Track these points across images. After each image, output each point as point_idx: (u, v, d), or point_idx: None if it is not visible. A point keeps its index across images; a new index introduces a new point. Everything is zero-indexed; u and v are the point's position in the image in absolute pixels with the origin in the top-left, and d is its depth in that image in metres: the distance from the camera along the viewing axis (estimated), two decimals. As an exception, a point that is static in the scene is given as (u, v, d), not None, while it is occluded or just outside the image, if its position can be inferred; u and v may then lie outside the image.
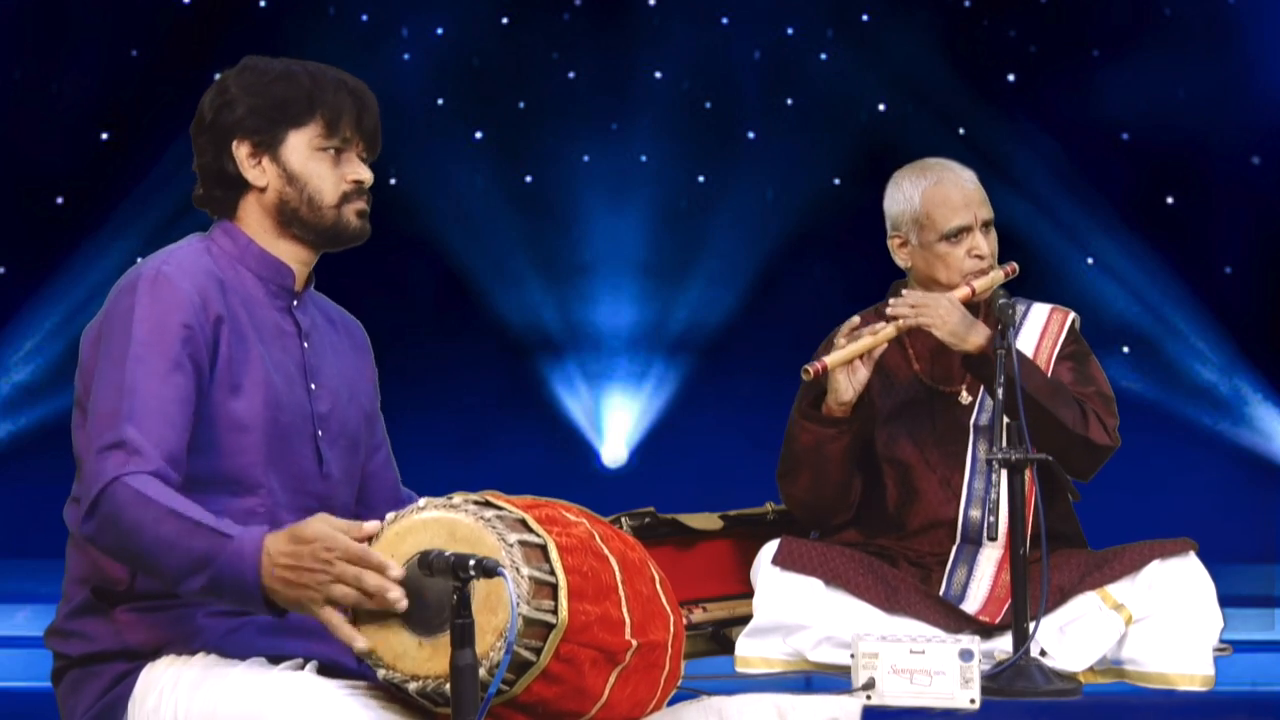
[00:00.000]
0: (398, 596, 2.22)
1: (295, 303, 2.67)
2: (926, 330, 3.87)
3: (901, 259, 4.06)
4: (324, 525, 2.28)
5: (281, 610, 2.32)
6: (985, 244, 3.98)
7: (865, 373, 3.88)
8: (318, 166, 2.63)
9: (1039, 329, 4.05)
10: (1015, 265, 4.02)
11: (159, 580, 2.40)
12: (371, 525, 2.31)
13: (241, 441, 2.54)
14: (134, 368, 2.44)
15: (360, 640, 2.24)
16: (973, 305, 3.95)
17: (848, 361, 3.84)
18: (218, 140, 2.63)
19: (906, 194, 4.03)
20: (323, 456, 2.64)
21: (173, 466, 2.41)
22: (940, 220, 3.97)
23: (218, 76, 2.68)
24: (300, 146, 2.62)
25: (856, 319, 3.90)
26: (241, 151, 2.62)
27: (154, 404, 2.42)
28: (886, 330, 3.86)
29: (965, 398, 4.03)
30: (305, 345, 2.66)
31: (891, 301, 3.91)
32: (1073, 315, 4.07)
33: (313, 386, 2.65)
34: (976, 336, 3.83)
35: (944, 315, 3.83)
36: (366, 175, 2.66)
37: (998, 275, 3.98)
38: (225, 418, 2.52)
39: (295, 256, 2.67)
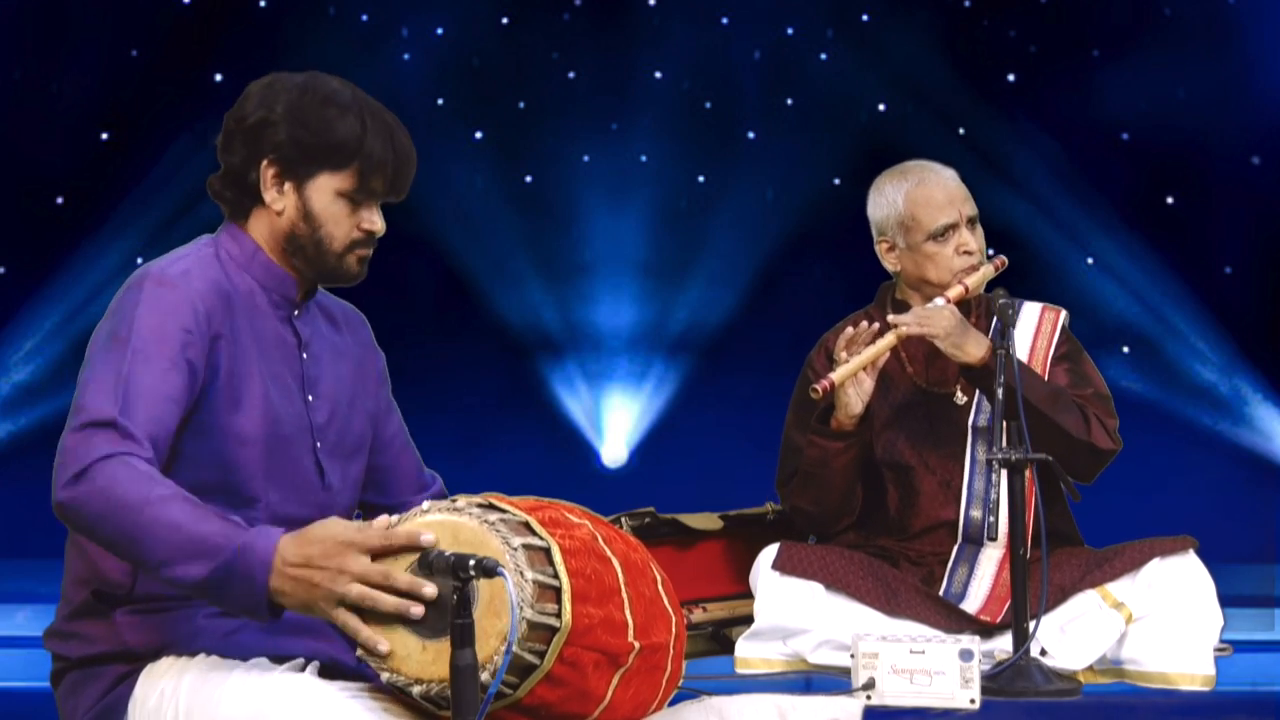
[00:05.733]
0: (419, 613, 2.22)
1: (296, 313, 2.67)
2: (925, 337, 3.87)
3: (890, 263, 4.06)
4: (339, 524, 2.27)
5: (279, 613, 2.31)
6: (973, 240, 3.98)
7: (870, 383, 3.88)
8: (336, 211, 2.59)
9: (1032, 328, 4.05)
10: (1004, 259, 4.03)
11: (139, 561, 2.34)
12: (380, 521, 2.31)
13: (241, 455, 2.54)
14: (133, 358, 2.42)
15: (384, 644, 2.23)
16: (964, 303, 3.95)
17: (853, 375, 3.83)
18: (250, 148, 2.58)
19: (889, 198, 4.02)
20: (323, 467, 2.64)
21: (158, 461, 2.40)
22: (926, 220, 3.97)
23: (274, 75, 2.62)
24: (326, 189, 2.59)
25: (850, 329, 3.89)
26: (268, 172, 2.59)
27: (149, 397, 2.41)
28: (887, 339, 3.85)
29: (960, 399, 4.02)
30: (304, 356, 2.66)
31: (893, 315, 3.90)
32: (1064, 314, 4.07)
33: (310, 398, 2.65)
34: (977, 348, 3.82)
35: (947, 326, 3.82)
36: (380, 227, 2.63)
37: (988, 270, 3.98)
38: (225, 431, 2.52)
39: (296, 275, 2.68)
